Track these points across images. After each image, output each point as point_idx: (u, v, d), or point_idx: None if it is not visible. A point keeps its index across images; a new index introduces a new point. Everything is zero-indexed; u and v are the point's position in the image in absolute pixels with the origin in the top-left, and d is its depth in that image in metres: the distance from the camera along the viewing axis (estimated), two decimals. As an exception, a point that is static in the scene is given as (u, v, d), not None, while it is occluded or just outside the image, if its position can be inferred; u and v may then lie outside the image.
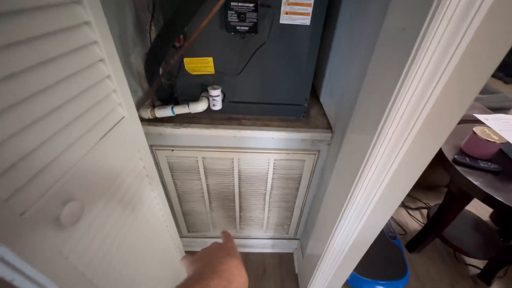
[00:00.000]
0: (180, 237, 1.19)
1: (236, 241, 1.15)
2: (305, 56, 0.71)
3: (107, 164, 0.44)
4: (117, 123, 0.46)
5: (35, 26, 0.29)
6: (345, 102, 0.68)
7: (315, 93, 0.98)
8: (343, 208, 0.63)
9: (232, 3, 0.59)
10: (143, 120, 0.78)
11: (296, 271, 1.23)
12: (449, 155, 0.98)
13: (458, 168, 0.92)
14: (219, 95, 0.73)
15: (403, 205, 1.62)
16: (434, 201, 1.64)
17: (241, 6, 0.59)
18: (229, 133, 0.77)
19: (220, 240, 0.43)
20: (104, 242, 0.45)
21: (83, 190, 0.38)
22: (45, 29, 0.30)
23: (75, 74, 0.36)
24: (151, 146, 0.82)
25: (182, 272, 1.00)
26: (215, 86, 0.73)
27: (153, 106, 0.77)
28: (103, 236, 0.45)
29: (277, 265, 1.26)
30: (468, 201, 1.08)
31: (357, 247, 0.76)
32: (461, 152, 1.00)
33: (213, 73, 0.74)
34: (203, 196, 0.97)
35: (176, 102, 0.80)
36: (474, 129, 0.96)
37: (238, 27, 0.62)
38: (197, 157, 0.84)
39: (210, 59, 0.71)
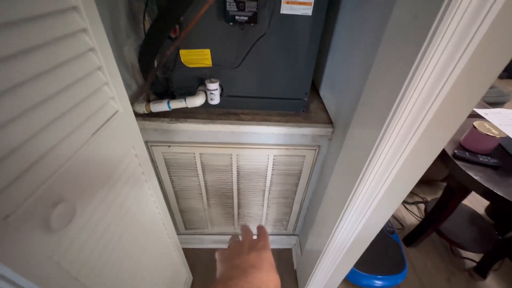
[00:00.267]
0: (178, 234, 1.17)
1: (234, 237, 1.13)
2: (306, 48, 0.68)
3: (100, 162, 0.42)
4: (110, 118, 0.43)
5: (15, 10, 0.26)
6: (347, 96, 0.66)
7: (314, 87, 0.96)
8: (346, 205, 0.61)
9: (230, -9, 0.56)
10: (138, 115, 0.75)
11: (295, 266, 1.22)
12: (449, 150, 0.97)
13: (458, 162, 0.91)
14: (217, 89, 0.70)
15: (400, 199, 1.62)
16: (431, 196, 1.65)
17: (240, -6, 0.56)
18: (227, 128, 0.75)
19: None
20: (98, 244, 0.43)
21: (74, 190, 0.35)
22: (27, 13, 0.27)
23: (63, 64, 0.33)
24: (146, 142, 0.79)
25: (181, 271, 0.99)
26: (212, 80, 0.71)
27: (148, 101, 0.74)
28: (97, 238, 0.42)
29: (275, 261, 1.25)
30: (466, 195, 1.08)
31: (358, 243, 0.75)
32: (461, 146, 0.99)
33: (211, 66, 0.71)
34: (201, 193, 0.95)
35: (172, 97, 0.77)
36: (474, 123, 0.95)
37: (237, 17, 0.59)
38: (194, 153, 0.81)
39: (208, 51, 0.68)
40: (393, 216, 1.54)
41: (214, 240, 1.22)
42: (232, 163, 0.84)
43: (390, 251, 1.17)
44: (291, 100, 0.79)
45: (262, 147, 0.80)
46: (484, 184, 0.83)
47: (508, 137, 0.91)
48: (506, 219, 1.38)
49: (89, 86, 0.38)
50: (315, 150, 0.82)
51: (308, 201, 1.04)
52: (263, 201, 1.00)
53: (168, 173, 0.88)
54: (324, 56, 0.85)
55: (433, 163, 0.50)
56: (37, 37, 0.29)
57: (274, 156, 0.83)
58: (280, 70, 0.72)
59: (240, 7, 0.58)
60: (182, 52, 0.68)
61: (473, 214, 1.36)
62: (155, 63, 0.68)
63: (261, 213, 1.07)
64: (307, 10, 0.61)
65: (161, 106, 0.72)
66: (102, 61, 0.39)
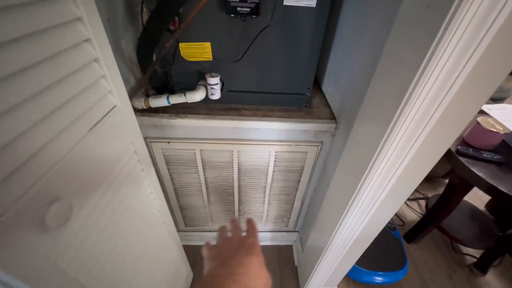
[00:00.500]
0: (178, 231, 1.16)
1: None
2: (309, 41, 0.66)
3: (98, 158, 0.40)
4: (108, 112, 0.42)
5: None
6: (352, 91, 0.65)
7: (316, 82, 0.94)
8: (349, 203, 0.60)
9: (232, -19, 0.54)
10: (136, 110, 0.73)
11: (296, 263, 1.22)
12: (452, 146, 0.96)
13: (461, 159, 0.90)
14: (217, 84, 0.69)
15: (401, 196, 1.62)
16: (432, 192, 1.65)
17: (242, -16, 0.54)
18: (228, 124, 0.73)
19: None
20: (98, 243, 0.41)
21: (71, 187, 0.34)
22: (17, 1, 0.26)
23: (57, 55, 0.31)
24: (145, 138, 0.77)
25: (181, 268, 0.98)
26: (213, 74, 0.69)
27: (147, 96, 0.72)
28: (96, 236, 0.41)
29: (276, 258, 1.25)
30: (468, 191, 1.07)
31: (361, 241, 0.74)
32: (464, 142, 0.98)
33: (211, 59, 0.69)
34: (201, 190, 0.94)
35: (172, 91, 0.75)
36: (478, 119, 0.94)
37: (238, 8, 0.57)
38: (194, 150, 0.80)
39: (208, 44, 0.66)
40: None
41: (214, 237, 1.21)
42: (233, 159, 0.83)
43: (391, 247, 1.17)
44: (293, 95, 0.77)
45: (264, 143, 0.79)
46: (487, 180, 0.82)
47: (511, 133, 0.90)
48: (507, 215, 1.38)
49: (85, 79, 0.36)
50: (318, 146, 0.81)
51: (310, 198, 1.03)
52: (264, 198, 0.99)
53: (168, 170, 0.86)
54: (327, 49, 0.83)
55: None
56: (28, 26, 0.27)
57: (275, 152, 0.81)
58: (283, 64, 0.70)
59: (242, -2, 0.56)
60: (182, 45, 0.66)
61: (473, 210, 1.35)
62: (154, 56, 0.66)
63: (262, 210, 1.06)
64: (311, 2, 0.59)
65: (160, 101, 0.70)
66: (99, 52, 0.38)
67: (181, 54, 0.68)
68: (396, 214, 1.52)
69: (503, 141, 0.97)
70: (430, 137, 0.43)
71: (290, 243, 1.30)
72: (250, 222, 0.42)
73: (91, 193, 0.39)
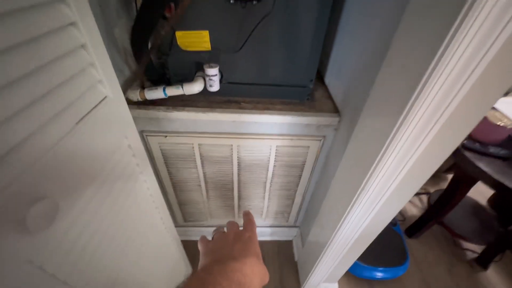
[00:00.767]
0: (177, 226, 1.14)
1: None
2: (313, 30, 0.63)
3: (88, 154, 0.37)
4: (98, 104, 0.39)
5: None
6: (357, 83, 0.62)
7: (319, 75, 0.91)
8: (354, 199, 0.58)
9: (231, -37, 0.50)
10: (131, 102, 0.70)
11: (296, 258, 1.21)
12: (457, 141, 0.93)
13: (467, 153, 0.88)
14: (216, 75, 0.65)
15: (402, 190, 1.60)
16: (433, 187, 1.63)
17: (242, -34, 0.51)
18: (228, 117, 0.70)
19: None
20: (90, 244, 0.39)
21: (57, 186, 0.31)
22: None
23: (38, 39, 0.28)
24: (141, 132, 0.74)
25: (180, 263, 0.96)
26: (211, 64, 0.65)
27: (143, 88, 0.68)
28: (89, 236, 0.39)
29: (275, 253, 1.24)
30: (471, 186, 1.05)
31: (364, 237, 0.73)
32: (470, 137, 0.95)
33: (210, 49, 0.65)
34: (200, 185, 0.92)
35: (169, 83, 0.71)
36: (484, 113, 0.91)
37: (238, -7, 0.53)
38: (192, 144, 0.77)
39: (206, 33, 0.62)
40: (395, 208, 1.52)
41: (211, 232, 1.19)
42: (232, 154, 0.80)
43: (392, 243, 1.16)
44: (295, 88, 0.74)
45: (264, 138, 0.76)
46: (494, 176, 0.80)
47: (519, 127, 0.87)
48: (510, 210, 1.37)
49: (71, 66, 0.33)
50: (320, 140, 0.78)
51: (311, 193, 1.01)
52: (264, 193, 0.97)
53: (166, 165, 0.84)
54: (330, 39, 0.80)
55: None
56: (6, 3, 0.24)
57: (276, 146, 0.79)
58: (284, 54, 0.67)
59: (242, -18, 0.52)
60: (178, 34, 0.62)
61: (476, 206, 1.34)
62: (149, 45, 0.63)
63: (262, 205, 1.04)
64: (316, -13, 0.55)
65: (157, 93, 0.67)
66: (86, 38, 0.34)
67: (178, 43, 0.64)
68: (397, 209, 1.51)
69: (510, 135, 0.95)
70: (442, 132, 0.41)
71: (290, 238, 1.28)
72: (247, 215, 0.41)
73: (82, 191, 0.37)
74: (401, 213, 1.49)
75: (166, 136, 0.75)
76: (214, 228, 0.41)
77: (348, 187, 0.62)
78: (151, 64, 0.70)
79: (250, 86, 0.73)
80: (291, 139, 0.77)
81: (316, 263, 0.90)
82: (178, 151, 0.79)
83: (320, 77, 0.89)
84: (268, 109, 0.72)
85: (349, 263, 0.92)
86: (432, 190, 1.51)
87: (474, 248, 1.30)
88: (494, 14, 0.28)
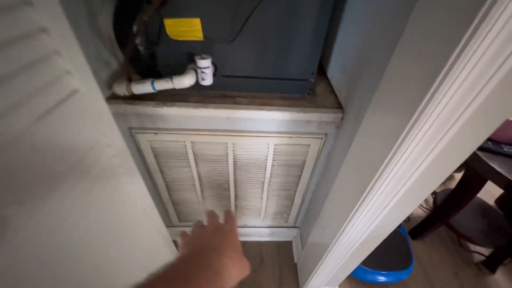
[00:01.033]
0: (171, 226, 1.11)
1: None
2: (314, 18, 0.57)
3: (53, 155, 0.33)
4: (66, 98, 0.34)
5: None
6: (363, 76, 0.56)
7: (321, 67, 0.85)
8: (359, 202, 0.53)
9: None
10: (118, 97, 0.65)
11: (295, 260, 1.17)
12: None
13: (479, 153, 0.82)
14: (208, 67, 0.60)
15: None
16: (439, 187, 1.57)
17: None
18: (222, 113, 0.65)
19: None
20: (57, 258, 0.35)
21: (9, 192, 0.27)
22: None
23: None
24: (130, 129, 0.70)
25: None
26: (204, 56, 0.60)
27: (130, 81, 0.63)
28: (54, 249, 0.34)
29: (275, 254, 1.20)
30: (482, 187, 1.00)
31: (369, 241, 0.68)
32: (481, 135, 0.90)
33: (202, 39, 0.60)
34: (194, 185, 0.87)
35: (160, 76, 0.66)
36: (498, 109, 0.85)
37: (231, -25, 0.48)
38: (185, 142, 0.72)
39: (197, 20, 0.57)
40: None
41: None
42: (227, 152, 0.75)
43: (396, 245, 1.11)
44: (295, 81, 0.69)
45: (262, 135, 0.71)
46: (508, 177, 0.75)
47: (536, 125, 0.81)
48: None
49: (27, 53, 0.28)
50: (322, 138, 0.73)
51: (311, 193, 0.96)
52: (262, 193, 0.92)
53: (157, 163, 0.79)
54: (334, 28, 0.74)
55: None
56: None
57: (275, 145, 0.73)
58: (283, 45, 0.61)
59: (235, -38, 0.47)
60: (167, 22, 0.57)
61: (484, 206, 1.29)
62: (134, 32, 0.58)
63: (260, 205, 0.99)
64: (318, -33, 0.49)
65: (145, 87, 0.61)
66: (46, 19, 0.29)
67: (167, 32, 0.59)
68: (401, 209, 1.46)
69: (525, 133, 0.89)
70: (464, 130, 0.35)
71: (289, 239, 1.24)
72: (228, 213, 0.41)
73: (46, 196, 0.32)
74: (405, 213, 1.44)
75: (156, 133, 0.70)
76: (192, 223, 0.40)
77: (353, 189, 0.57)
78: (140, 56, 0.65)
79: (247, 80, 0.68)
80: (290, 137, 0.71)
81: (317, 267, 0.86)
82: (170, 149, 0.75)
83: (322, 70, 0.83)
84: (265, 104, 0.67)
85: (351, 268, 0.87)
86: (438, 189, 1.45)
87: (481, 250, 1.25)
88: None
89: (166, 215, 1.04)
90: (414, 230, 1.29)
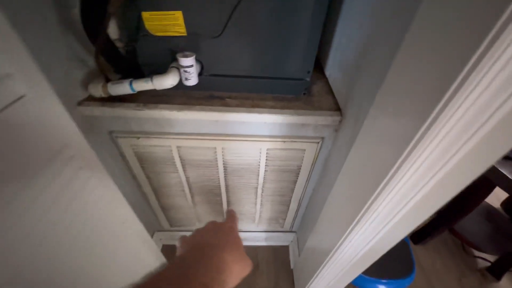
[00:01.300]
0: (162, 231, 1.06)
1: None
2: (311, 9, 0.51)
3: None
4: (8, 105, 0.28)
5: None
6: (365, 73, 0.50)
7: (318, 65, 0.79)
8: (361, 213, 0.47)
9: None
10: (94, 99, 0.59)
11: (292, 266, 1.12)
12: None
13: (488, 157, 0.77)
14: (192, 66, 0.54)
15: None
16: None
17: None
18: (209, 116, 0.60)
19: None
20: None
21: None
22: None
23: None
24: (110, 133, 0.64)
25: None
26: (186, 53, 0.54)
27: (107, 81, 0.58)
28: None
29: (271, 259, 1.15)
30: (489, 193, 0.94)
31: (373, 252, 0.62)
32: (491, 137, 0.84)
33: (185, 34, 0.54)
34: (183, 190, 0.82)
35: (143, 76, 0.60)
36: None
37: (212, -40, 0.42)
38: (170, 146, 0.67)
39: (179, 13, 0.51)
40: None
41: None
42: (217, 157, 0.70)
43: (398, 252, 1.06)
44: (289, 81, 0.63)
45: (253, 139, 0.65)
46: (520, 184, 0.69)
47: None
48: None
49: None
50: (318, 143, 0.67)
51: (308, 199, 0.91)
52: (256, 199, 0.87)
53: (142, 169, 0.74)
54: (332, 22, 0.67)
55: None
56: None
57: (267, 150, 0.68)
58: (276, 40, 0.55)
59: None
60: (145, 15, 0.51)
61: (489, 210, 1.23)
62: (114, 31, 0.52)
63: (254, 211, 0.94)
64: (313, -49, 0.43)
65: (122, 88, 0.56)
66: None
67: (146, 27, 0.53)
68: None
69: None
70: (490, 136, 0.29)
71: (286, 243, 1.20)
72: (230, 211, 0.41)
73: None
74: (407, 216, 1.39)
75: (138, 138, 0.65)
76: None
77: (353, 198, 0.51)
78: (117, 53, 0.59)
79: (236, 79, 0.62)
80: (284, 141, 0.66)
81: (315, 276, 0.81)
82: (155, 155, 0.69)
83: (319, 68, 0.77)
84: (257, 106, 0.61)
85: (351, 277, 0.82)
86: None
87: (486, 256, 1.20)
88: None
89: (156, 221, 0.99)
90: (416, 235, 1.24)
